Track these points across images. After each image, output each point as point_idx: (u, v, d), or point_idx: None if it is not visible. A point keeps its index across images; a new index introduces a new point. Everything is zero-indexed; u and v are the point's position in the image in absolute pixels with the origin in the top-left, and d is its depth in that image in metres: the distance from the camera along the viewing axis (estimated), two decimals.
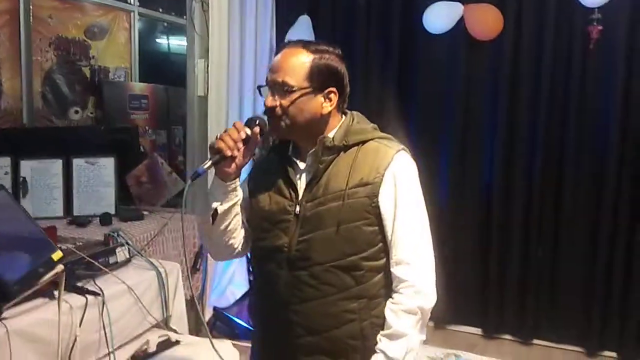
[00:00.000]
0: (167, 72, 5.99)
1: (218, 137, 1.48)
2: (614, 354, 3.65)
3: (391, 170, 1.46)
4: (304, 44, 1.48)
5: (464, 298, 3.98)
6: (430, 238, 1.50)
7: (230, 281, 3.99)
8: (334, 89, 1.48)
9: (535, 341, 3.86)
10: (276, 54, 1.52)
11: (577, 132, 3.65)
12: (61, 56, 4.78)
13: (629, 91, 3.49)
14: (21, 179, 3.22)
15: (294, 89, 1.44)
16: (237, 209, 1.56)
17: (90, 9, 5.04)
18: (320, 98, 1.47)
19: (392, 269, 1.46)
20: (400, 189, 1.45)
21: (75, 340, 1.96)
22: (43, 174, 3.27)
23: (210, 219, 1.52)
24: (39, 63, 4.58)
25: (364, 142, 1.50)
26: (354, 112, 1.59)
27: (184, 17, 3.96)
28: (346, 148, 1.49)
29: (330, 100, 1.48)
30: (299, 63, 1.45)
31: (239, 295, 4.04)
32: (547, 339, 3.84)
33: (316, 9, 4.20)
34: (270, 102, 1.47)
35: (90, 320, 2.05)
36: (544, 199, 3.75)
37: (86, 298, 2.05)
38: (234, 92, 3.79)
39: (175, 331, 2.54)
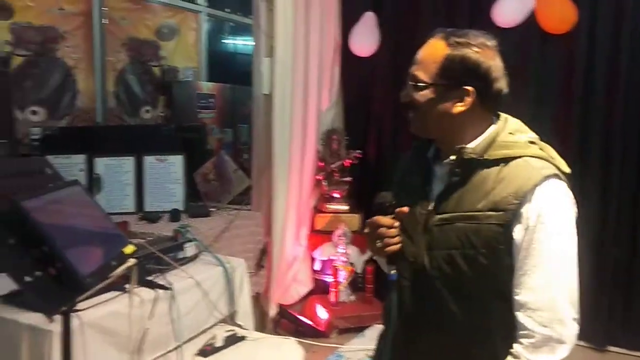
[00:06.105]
0: (233, 71, 6.09)
1: (381, 243, 1.35)
2: None
3: (532, 199, 1.25)
4: (447, 34, 1.33)
5: None
6: (573, 284, 1.27)
7: (295, 279, 4.00)
8: (470, 88, 1.30)
9: (610, 348, 3.69)
10: None
11: None
12: (133, 56, 4.93)
13: None
14: (95, 175, 3.34)
15: (423, 84, 1.31)
16: None
17: (160, 10, 5.19)
18: (452, 97, 1.31)
19: (515, 312, 1.28)
20: (538, 224, 1.25)
21: (146, 333, 2.01)
22: (116, 170, 3.38)
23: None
24: (112, 63, 4.74)
25: (510, 159, 1.30)
26: (510, 119, 1.39)
27: (250, 16, 4.01)
28: (488, 163, 1.31)
29: (464, 100, 1.31)
30: (434, 56, 1.31)
31: (303, 293, 4.06)
32: (622, 345, 3.66)
33: (381, 5, 4.17)
34: (402, 96, 1.37)
35: (159, 313, 2.09)
36: (621, 197, 3.57)
37: (156, 292, 2.10)
38: (298, 90, 3.81)
39: (240, 327, 2.56)
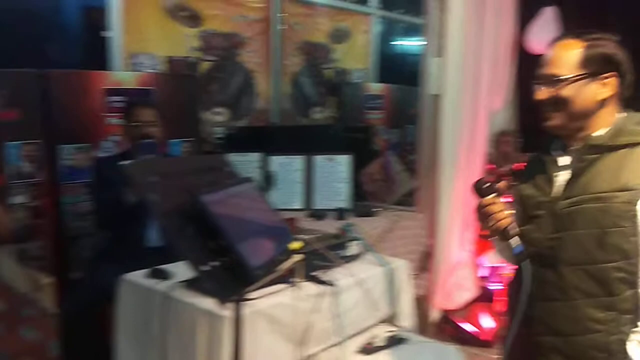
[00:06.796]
0: (400, 72, 6.09)
1: (492, 221, 1.48)
2: None
3: None
4: (576, 35, 1.46)
5: None
6: None
7: (458, 284, 3.89)
8: (610, 74, 1.41)
9: None
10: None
11: None
12: (307, 60, 5.13)
13: None
14: (270, 173, 3.53)
15: (563, 78, 1.41)
16: None
17: (332, 14, 5.33)
18: (594, 85, 1.41)
19: (638, 289, 1.34)
20: None
21: (310, 326, 2.08)
22: (287, 169, 3.54)
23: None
24: (287, 67, 4.97)
25: (635, 144, 1.39)
26: (634, 113, 1.48)
27: (421, 16, 3.97)
28: (614, 148, 1.40)
29: (607, 85, 1.42)
30: (569, 53, 1.43)
31: (466, 299, 3.93)
32: None
33: None
34: (538, 94, 1.46)
35: (323, 308, 2.15)
36: None
37: (321, 287, 2.16)
38: (468, 90, 3.69)
39: (402, 328, 2.55)
